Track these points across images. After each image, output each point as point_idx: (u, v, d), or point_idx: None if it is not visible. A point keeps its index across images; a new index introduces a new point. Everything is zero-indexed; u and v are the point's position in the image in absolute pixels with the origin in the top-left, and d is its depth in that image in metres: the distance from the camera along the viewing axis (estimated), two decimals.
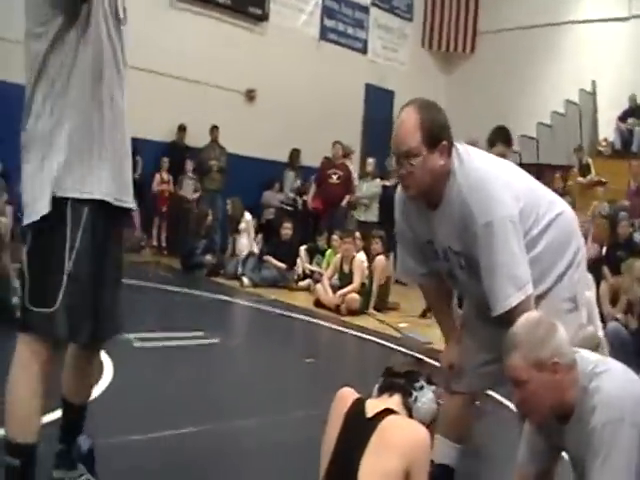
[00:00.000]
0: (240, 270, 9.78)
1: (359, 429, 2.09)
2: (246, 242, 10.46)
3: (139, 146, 10.51)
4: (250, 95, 12.97)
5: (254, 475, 3.28)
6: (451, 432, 2.84)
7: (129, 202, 2.47)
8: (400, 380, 2.22)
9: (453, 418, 2.83)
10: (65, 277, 2.24)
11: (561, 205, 2.67)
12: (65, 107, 2.28)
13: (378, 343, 6.63)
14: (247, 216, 10.63)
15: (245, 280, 9.48)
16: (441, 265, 2.67)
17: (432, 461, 2.40)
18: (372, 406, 2.15)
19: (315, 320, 7.52)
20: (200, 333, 5.94)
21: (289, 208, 12.40)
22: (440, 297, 2.92)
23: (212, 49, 11.89)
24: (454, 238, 2.51)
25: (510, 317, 2.28)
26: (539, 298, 2.48)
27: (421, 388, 2.20)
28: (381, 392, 2.24)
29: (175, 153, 11.64)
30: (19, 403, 2.28)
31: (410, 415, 2.18)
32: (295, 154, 12.81)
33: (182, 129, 11.81)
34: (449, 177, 2.46)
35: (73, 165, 2.29)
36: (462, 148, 2.52)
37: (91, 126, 2.32)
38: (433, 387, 2.27)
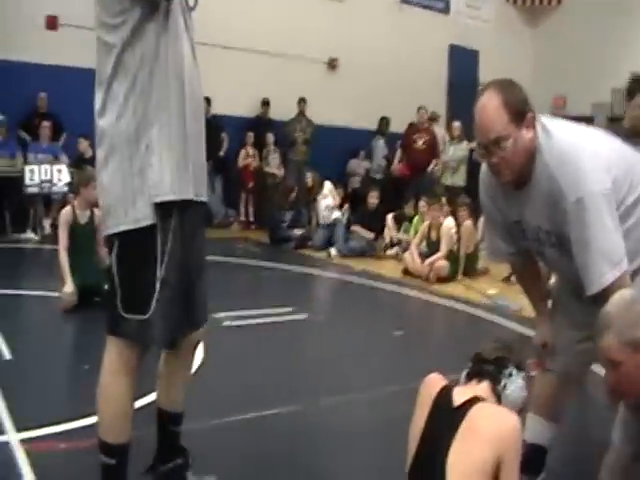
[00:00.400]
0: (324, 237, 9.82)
1: (447, 418, 2.06)
2: (326, 206, 10.35)
3: (224, 123, 10.70)
4: (332, 64, 12.91)
5: (351, 454, 3.28)
6: (544, 411, 2.78)
7: (205, 195, 2.46)
8: (489, 367, 2.17)
9: (547, 396, 2.77)
10: (158, 283, 2.23)
11: None
12: (150, 106, 2.22)
13: (468, 312, 6.54)
14: (327, 184, 10.57)
15: (333, 251, 9.49)
16: (530, 244, 2.59)
17: (524, 440, 2.36)
18: (460, 394, 2.11)
19: (404, 290, 7.48)
20: (289, 309, 6.00)
21: (378, 176, 12.30)
22: (530, 274, 2.84)
23: (291, 20, 11.87)
24: (543, 217, 2.42)
25: (605, 295, 2.17)
26: (635, 273, 2.36)
27: (510, 375, 2.16)
28: (469, 378, 2.20)
29: (260, 128, 11.71)
30: (111, 406, 2.32)
31: (498, 402, 2.13)
32: (384, 122, 12.65)
33: (266, 103, 11.88)
34: (536, 153, 2.36)
35: (165, 168, 2.24)
36: (545, 119, 2.42)
37: (178, 125, 2.26)
38: (523, 373, 2.21)
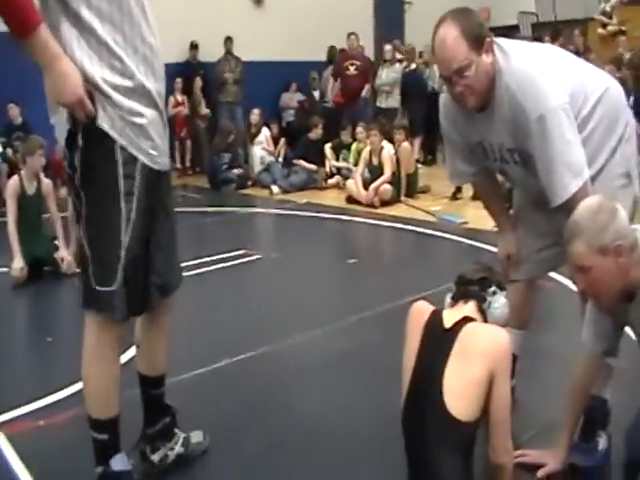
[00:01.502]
0: (263, 180, 9.85)
1: (439, 340, 2.13)
2: (261, 154, 10.38)
3: None
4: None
5: (323, 387, 3.37)
6: (514, 319, 2.87)
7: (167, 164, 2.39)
8: (474, 287, 2.25)
9: (515, 306, 2.86)
10: (123, 252, 2.18)
11: (607, 80, 2.63)
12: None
13: (415, 231, 6.65)
14: (265, 131, 10.50)
15: (274, 188, 9.47)
16: (493, 164, 2.68)
17: None
18: (449, 316, 2.18)
19: (350, 217, 7.55)
20: (241, 251, 6.01)
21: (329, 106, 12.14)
22: (492, 191, 2.96)
23: None
24: (506, 135, 2.49)
25: (570, 205, 2.27)
26: (593, 178, 2.47)
27: (494, 293, 2.25)
28: (455, 300, 2.28)
29: (190, 72, 11.43)
30: (95, 382, 2.29)
31: (485, 320, 2.22)
32: (333, 51, 12.39)
33: (194, 46, 11.57)
34: (496, 75, 2.42)
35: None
36: (501, 41, 2.48)
37: None
38: (505, 292, 2.31)
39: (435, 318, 2.19)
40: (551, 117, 2.34)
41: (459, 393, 2.03)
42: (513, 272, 2.87)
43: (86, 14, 2.06)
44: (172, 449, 2.67)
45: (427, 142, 10.98)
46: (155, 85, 2.25)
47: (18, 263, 5.33)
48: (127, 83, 2.15)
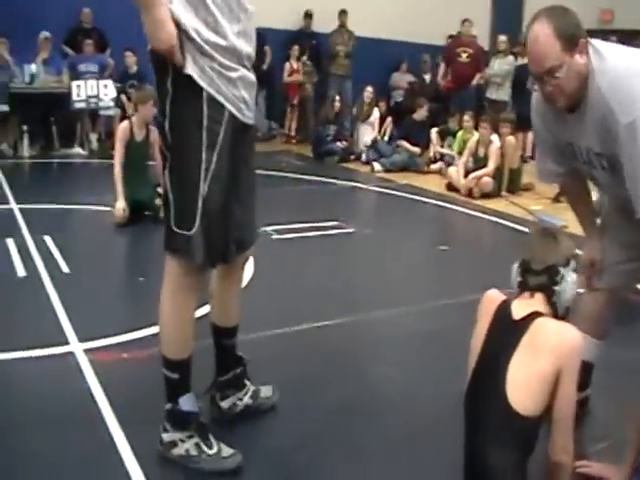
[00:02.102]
0: (368, 156, 9.81)
1: (507, 331, 2.11)
2: (370, 130, 10.36)
3: (266, 36, 10.56)
4: None
5: (396, 363, 3.39)
6: (592, 328, 2.83)
7: (252, 118, 2.44)
8: (541, 278, 2.17)
9: (594, 314, 2.83)
10: (200, 200, 2.24)
11: None
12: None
13: (512, 227, 6.54)
14: (376, 112, 10.45)
15: (376, 165, 9.46)
16: (581, 166, 2.60)
17: None
18: (518, 308, 2.14)
19: (448, 205, 7.48)
20: (335, 222, 6.08)
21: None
22: (580, 194, 2.86)
23: None
24: (595, 140, 2.41)
25: None
26: None
27: (562, 279, 2.16)
28: (522, 289, 2.21)
29: (303, 40, 11.53)
30: (170, 323, 2.37)
31: (555, 310, 2.16)
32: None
33: (308, 15, 11.65)
34: (589, 77, 2.34)
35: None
36: (597, 43, 2.39)
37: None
38: (572, 266, 2.21)
39: (505, 308, 2.16)
40: None
41: (523, 386, 2.01)
42: (596, 280, 2.80)
43: None
44: (241, 399, 2.77)
45: None
46: (246, 47, 2.30)
47: (120, 204, 5.58)
48: (219, 41, 2.20)
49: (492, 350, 2.13)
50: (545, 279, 2.16)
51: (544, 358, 2.00)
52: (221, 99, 2.24)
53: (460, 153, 8.82)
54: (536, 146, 2.87)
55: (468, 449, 2.15)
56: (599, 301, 2.81)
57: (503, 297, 2.22)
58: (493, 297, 2.24)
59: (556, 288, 2.15)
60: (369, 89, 10.47)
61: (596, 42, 2.40)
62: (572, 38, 2.29)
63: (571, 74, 2.31)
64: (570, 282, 2.16)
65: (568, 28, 2.30)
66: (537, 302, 2.16)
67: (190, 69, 2.18)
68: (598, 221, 2.92)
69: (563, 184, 2.87)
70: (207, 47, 2.18)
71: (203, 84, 2.20)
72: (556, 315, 2.17)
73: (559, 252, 2.18)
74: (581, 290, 2.84)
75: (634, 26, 12.74)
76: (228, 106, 2.26)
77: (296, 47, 11.36)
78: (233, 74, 2.26)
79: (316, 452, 2.60)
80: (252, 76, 2.38)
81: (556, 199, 7.65)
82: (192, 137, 2.23)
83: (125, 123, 5.94)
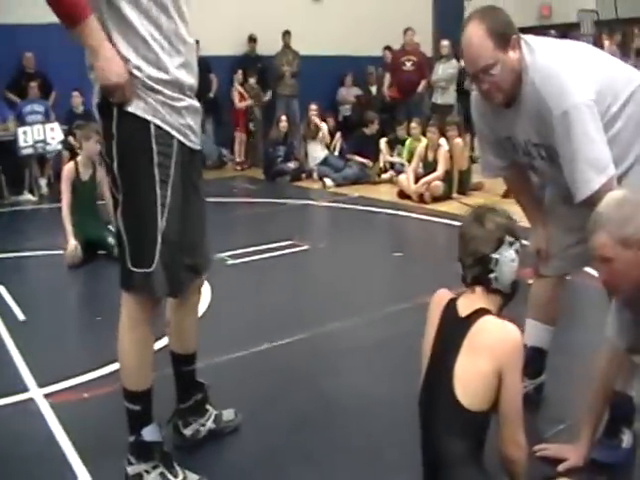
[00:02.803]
0: (319, 173, 9.90)
1: (454, 328, 2.13)
2: (320, 148, 10.46)
3: (212, 63, 10.61)
4: None
5: (355, 372, 3.45)
6: (542, 315, 2.92)
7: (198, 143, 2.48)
8: (474, 270, 2.14)
9: (543, 301, 2.92)
10: (159, 236, 2.26)
11: (639, 77, 2.60)
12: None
13: (455, 225, 6.63)
14: (324, 128, 10.52)
15: (328, 181, 9.54)
16: (521, 158, 2.70)
17: (525, 344, 2.48)
18: (464, 305, 2.15)
19: (400, 212, 7.58)
20: (289, 242, 6.11)
21: None
22: (523, 186, 2.97)
23: None
24: (532, 131, 2.53)
25: (594, 201, 2.25)
26: (621, 176, 2.47)
27: (496, 263, 2.11)
28: (465, 284, 2.20)
29: (248, 65, 11.60)
30: (129, 356, 2.40)
31: (501, 295, 2.15)
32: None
33: (252, 40, 11.74)
34: (522, 71, 2.45)
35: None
36: (530, 39, 2.50)
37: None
38: (508, 241, 2.13)
39: (452, 306, 2.18)
40: (574, 113, 2.34)
41: (468, 384, 2.04)
42: (543, 267, 2.89)
43: (126, 8, 2.17)
44: (203, 425, 2.79)
45: None
46: (188, 78, 2.35)
47: (71, 243, 5.55)
48: (162, 75, 2.25)
49: (441, 347, 2.16)
50: (478, 270, 2.14)
51: (483, 358, 2.02)
52: (167, 128, 2.27)
53: (409, 160, 8.94)
54: (477, 142, 2.96)
55: (424, 447, 2.19)
56: (547, 287, 2.90)
57: (451, 295, 2.23)
58: (442, 296, 2.25)
59: (491, 276, 2.12)
60: (313, 107, 10.56)
61: (529, 37, 2.50)
62: (504, 36, 2.38)
63: (505, 71, 2.41)
64: (506, 261, 2.12)
65: (499, 27, 2.39)
66: (478, 296, 2.15)
67: (134, 106, 2.22)
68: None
69: (506, 177, 2.98)
70: (150, 82, 2.22)
71: (148, 116, 2.23)
72: (506, 296, 2.17)
73: (487, 237, 2.12)
74: (530, 280, 2.93)
75: (571, 19, 13.08)
76: (175, 134, 2.29)
77: (240, 71, 11.41)
78: (177, 103, 2.30)
79: (278, 468, 2.63)
80: (196, 103, 2.42)
81: (505, 195, 7.77)
82: (144, 175, 2.25)
83: (70, 164, 5.93)
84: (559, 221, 2.83)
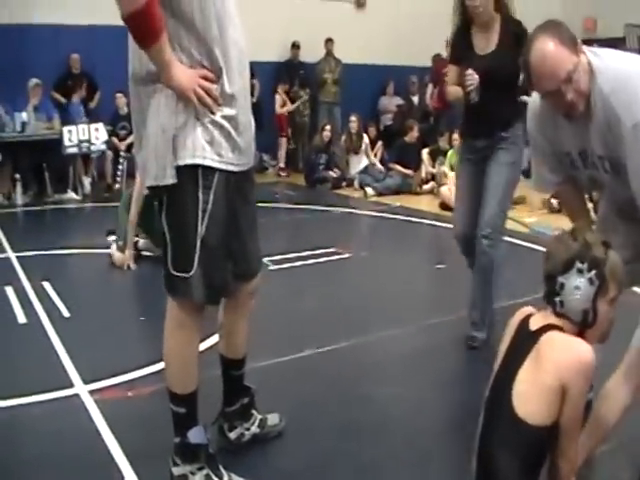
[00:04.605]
0: (361, 182, 9.90)
1: (523, 341, 2.10)
2: (362, 158, 10.47)
3: (255, 69, 10.66)
4: (360, 2, 12.75)
5: (398, 382, 3.42)
6: None
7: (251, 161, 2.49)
8: (545, 288, 2.10)
9: None
10: (199, 242, 2.27)
11: None
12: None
13: (507, 242, 6.55)
14: (365, 140, 10.53)
15: (369, 190, 9.53)
16: (583, 171, 2.60)
17: None
18: (537, 319, 2.12)
19: (442, 224, 7.51)
20: (331, 249, 6.10)
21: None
22: (576, 202, 2.88)
23: None
24: (597, 142, 2.43)
25: None
26: None
27: (562, 287, 2.05)
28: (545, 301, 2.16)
29: (291, 71, 11.67)
30: (175, 359, 2.40)
31: (575, 323, 2.08)
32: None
33: (296, 46, 11.81)
34: (591, 76, 2.36)
35: (199, 129, 2.29)
36: (594, 48, 2.44)
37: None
38: (577, 267, 2.03)
39: (527, 320, 2.15)
40: None
41: (528, 396, 2.01)
42: None
43: (170, 22, 2.16)
44: (248, 429, 2.78)
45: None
46: (238, 85, 2.32)
47: (127, 253, 5.56)
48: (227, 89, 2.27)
49: (508, 360, 2.14)
50: (547, 289, 2.11)
51: (547, 372, 1.98)
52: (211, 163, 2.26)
53: (452, 171, 8.87)
54: (532, 156, 2.87)
55: (479, 451, 2.16)
56: None
57: (530, 311, 2.19)
58: (523, 311, 2.22)
59: (556, 299, 2.07)
60: (353, 118, 10.52)
61: (593, 47, 2.44)
62: (573, 40, 2.33)
63: (583, 74, 2.33)
64: (570, 287, 2.04)
65: (565, 33, 2.33)
66: (550, 314, 2.11)
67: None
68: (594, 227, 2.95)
69: (559, 192, 2.89)
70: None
71: (197, 161, 2.24)
72: (580, 325, 2.08)
73: (558, 257, 2.06)
74: None
75: (617, 34, 12.91)
76: (217, 166, 2.28)
77: (285, 79, 11.48)
78: (224, 122, 2.29)
79: (325, 474, 2.61)
80: (247, 114, 2.40)
81: (549, 207, 7.70)
82: (187, 179, 2.26)
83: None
84: (613, 236, 2.75)
